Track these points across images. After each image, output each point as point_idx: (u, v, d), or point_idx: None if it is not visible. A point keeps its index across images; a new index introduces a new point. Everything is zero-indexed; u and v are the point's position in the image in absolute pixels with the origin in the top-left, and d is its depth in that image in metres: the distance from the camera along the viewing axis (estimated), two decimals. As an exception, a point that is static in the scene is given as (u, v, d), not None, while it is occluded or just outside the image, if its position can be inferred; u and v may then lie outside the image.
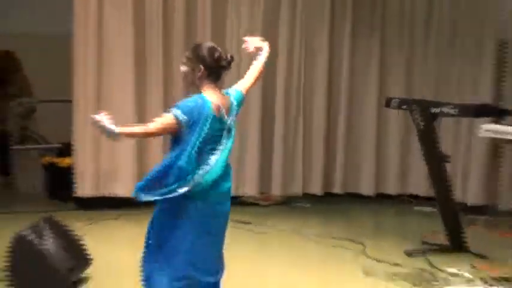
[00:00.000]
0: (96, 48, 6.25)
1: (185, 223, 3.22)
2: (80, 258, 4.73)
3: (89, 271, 4.68)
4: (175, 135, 3.29)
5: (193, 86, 3.38)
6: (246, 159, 6.89)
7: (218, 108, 3.19)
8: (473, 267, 5.27)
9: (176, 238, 3.23)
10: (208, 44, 3.40)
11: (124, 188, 6.28)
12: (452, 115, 5.62)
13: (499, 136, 5.51)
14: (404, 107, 5.77)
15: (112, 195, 6.48)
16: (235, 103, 3.38)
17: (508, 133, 5.25)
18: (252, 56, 3.71)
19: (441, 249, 5.70)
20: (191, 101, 3.23)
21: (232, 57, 3.35)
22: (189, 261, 3.26)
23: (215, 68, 3.28)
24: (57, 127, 7.21)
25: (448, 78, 7.26)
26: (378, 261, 5.31)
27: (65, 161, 6.81)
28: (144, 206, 4.58)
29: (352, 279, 5.02)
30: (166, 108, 4.02)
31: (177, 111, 3.17)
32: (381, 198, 7.50)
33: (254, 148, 6.89)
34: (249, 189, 6.91)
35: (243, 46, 3.63)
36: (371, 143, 7.33)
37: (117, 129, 3.14)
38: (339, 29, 7.12)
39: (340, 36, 7.08)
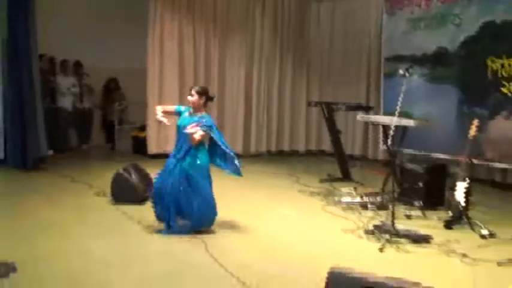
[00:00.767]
0: (158, 76, 10.25)
1: None
2: (149, 184, 6.91)
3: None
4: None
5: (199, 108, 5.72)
6: (237, 131, 10.83)
7: None
8: (355, 188, 7.84)
9: None
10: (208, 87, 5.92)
11: (171, 148, 9.54)
12: (342, 110, 8.99)
13: (366, 120, 8.43)
14: (318, 105, 9.19)
15: (165, 152, 9.64)
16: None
17: (371, 119, 8.16)
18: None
19: (338, 179, 8.56)
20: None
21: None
22: None
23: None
24: (139, 116, 11.05)
25: (340, 89, 11.03)
26: (306, 185, 8.16)
27: (142, 134, 10.58)
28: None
29: (291, 194, 7.71)
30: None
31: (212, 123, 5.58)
32: (308, 153, 11.41)
33: (241, 125, 10.83)
34: (238, 148, 10.76)
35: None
36: (303, 127, 11.40)
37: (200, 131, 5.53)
38: (285, 63, 11.21)
39: (285, 68, 11.19)
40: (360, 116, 8.29)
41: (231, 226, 6.23)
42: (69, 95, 11.02)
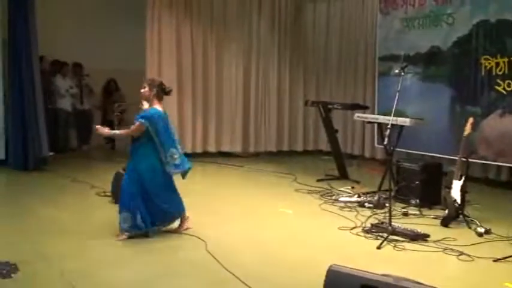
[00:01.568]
0: (157, 76, 10.13)
1: None
2: None
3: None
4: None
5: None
6: (236, 131, 10.93)
7: None
8: (352, 187, 8.02)
9: None
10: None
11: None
12: (339, 109, 9.05)
13: (363, 119, 8.45)
14: (315, 104, 9.22)
15: None
16: None
17: (368, 118, 8.20)
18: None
19: (335, 178, 8.61)
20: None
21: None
22: None
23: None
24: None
25: (338, 89, 11.13)
26: (303, 184, 8.21)
27: None
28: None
29: (288, 193, 7.79)
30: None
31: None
32: (306, 152, 11.45)
33: (240, 125, 10.95)
34: (237, 147, 10.99)
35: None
36: (301, 127, 11.48)
37: (112, 132, 5.80)
38: (282, 63, 11.30)
39: (282, 68, 11.29)
40: (357, 115, 8.35)
41: (230, 225, 6.32)
42: (68, 96, 11.12)
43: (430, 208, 6.96)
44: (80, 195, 7.53)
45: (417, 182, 7.10)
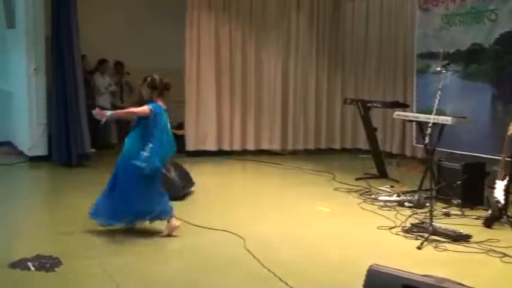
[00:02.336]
0: (196, 76, 10.40)
1: None
2: (188, 181, 7.44)
3: (193, 188, 7.54)
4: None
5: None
6: (275, 129, 10.96)
7: None
8: (392, 186, 7.92)
9: None
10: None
11: (209, 146, 10.49)
12: (378, 107, 9.00)
13: (403, 118, 8.20)
14: (353, 103, 9.12)
15: (203, 149, 10.46)
16: None
17: (408, 116, 8.00)
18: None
19: (374, 177, 8.49)
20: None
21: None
22: None
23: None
24: (176, 114, 10.74)
25: (377, 86, 10.98)
26: (342, 183, 8.16)
27: (180, 132, 10.46)
28: (218, 156, 8.08)
29: (327, 191, 7.78)
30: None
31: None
32: (344, 150, 11.41)
33: (278, 123, 10.98)
34: (276, 145, 11.01)
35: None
36: (339, 125, 11.43)
37: (109, 112, 5.67)
38: (321, 61, 11.25)
39: (320, 66, 11.25)
40: (396, 114, 8.23)
41: (268, 222, 6.33)
42: (107, 93, 11.28)
43: (472, 208, 6.83)
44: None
45: (459, 182, 6.98)
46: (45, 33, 9.49)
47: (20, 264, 4.75)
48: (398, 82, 10.63)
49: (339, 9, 11.55)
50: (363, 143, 10.79)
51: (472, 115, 8.02)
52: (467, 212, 6.74)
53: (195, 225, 6.08)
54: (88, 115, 9.44)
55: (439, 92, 5.93)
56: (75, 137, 9.05)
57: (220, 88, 10.61)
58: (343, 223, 6.40)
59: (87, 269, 4.77)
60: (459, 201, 6.93)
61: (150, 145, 5.45)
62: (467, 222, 6.30)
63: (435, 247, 5.41)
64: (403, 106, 8.93)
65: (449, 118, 7.01)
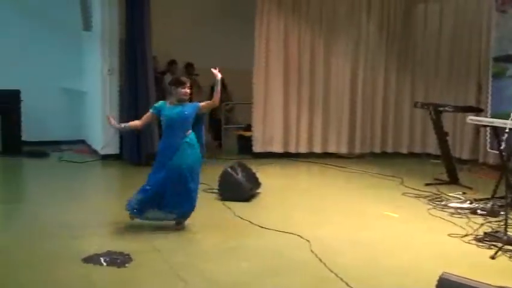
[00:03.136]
0: (264, 77, 10.46)
1: None
2: (254, 182, 7.51)
3: (259, 189, 7.59)
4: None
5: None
6: (342, 132, 10.88)
7: None
8: (464, 193, 7.72)
9: None
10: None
11: (276, 148, 10.55)
12: (450, 112, 8.77)
13: (477, 123, 7.95)
14: (424, 107, 8.93)
15: (270, 151, 10.53)
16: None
17: (482, 121, 7.72)
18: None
19: (445, 183, 8.30)
20: None
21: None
22: None
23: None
24: (245, 116, 11.36)
25: (449, 90, 10.61)
26: (410, 188, 8.02)
27: (247, 133, 10.87)
28: (286, 158, 8.07)
29: (394, 196, 7.69)
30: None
31: None
32: (412, 155, 11.15)
33: (346, 126, 10.87)
34: (343, 148, 10.92)
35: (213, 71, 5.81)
36: (407, 128, 11.22)
37: (118, 125, 6.13)
38: (390, 63, 11.06)
39: (390, 68, 11.05)
40: (470, 119, 7.99)
41: (334, 225, 6.28)
42: (176, 94, 11.48)
43: (550, 218, 6.51)
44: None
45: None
46: (119, 36, 9.77)
47: (92, 260, 4.90)
48: (471, 86, 10.30)
49: (410, 11, 11.31)
50: (432, 148, 10.52)
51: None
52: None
53: (261, 226, 6.11)
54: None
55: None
56: (145, 137, 9.25)
57: (288, 90, 10.60)
58: (412, 229, 6.28)
59: (155, 266, 4.87)
60: (535, 210, 6.60)
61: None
62: (545, 233, 6.01)
63: (510, 257, 5.21)
64: (477, 111, 8.70)
65: (528, 123, 6.70)
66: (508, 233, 5.55)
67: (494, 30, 9.36)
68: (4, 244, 5.30)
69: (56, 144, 10.85)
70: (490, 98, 9.43)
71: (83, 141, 11.22)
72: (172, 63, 11.47)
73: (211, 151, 9.78)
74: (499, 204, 6.65)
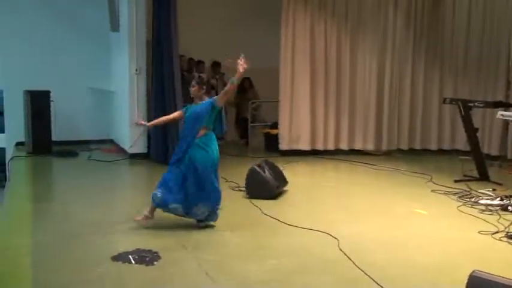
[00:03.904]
0: (290, 75, 10.49)
1: None
2: (281, 180, 7.57)
3: (286, 187, 7.65)
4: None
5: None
6: (369, 129, 10.80)
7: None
8: (494, 189, 7.66)
9: None
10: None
11: (303, 146, 10.51)
12: (480, 107, 8.78)
13: (507, 118, 8.07)
14: (453, 102, 8.85)
15: (296, 149, 10.52)
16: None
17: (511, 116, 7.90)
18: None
19: (474, 179, 8.27)
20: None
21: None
22: None
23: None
24: (271, 114, 11.38)
25: (478, 86, 10.52)
26: (439, 185, 8.00)
27: (274, 131, 10.89)
28: (313, 155, 8.04)
29: (424, 193, 7.66)
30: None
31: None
32: (441, 151, 11.07)
33: (373, 123, 10.82)
34: (370, 145, 10.87)
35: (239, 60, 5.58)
36: (436, 124, 11.10)
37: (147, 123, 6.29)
38: (418, 58, 10.97)
39: (417, 63, 10.95)
40: (500, 114, 7.92)
41: (363, 223, 6.24)
42: (204, 93, 11.53)
43: None
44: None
45: None
46: (147, 36, 9.86)
47: (121, 258, 4.95)
48: (500, 81, 10.14)
49: (438, 5, 11.16)
50: (462, 144, 10.32)
51: None
52: None
53: (289, 224, 6.10)
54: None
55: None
56: (172, 136, 9.31)
57: (315, 87, 10.57)
58: (441, 226, 6.21)
59: (184, 264, 4.90)
60: None
61: None
62: None
63: (542, 255, 5.11)
64: (507, 106, 8.54)
65: (558, 119, 6.60)
66: (541, 230, 5.44)
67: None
68: (35, 243, 5.37)
69: (85, 143, 11.04)
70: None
71: (111, 141, 11.36)
72: (198, 63, 11.54)
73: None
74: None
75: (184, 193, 5.77)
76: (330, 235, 5.66)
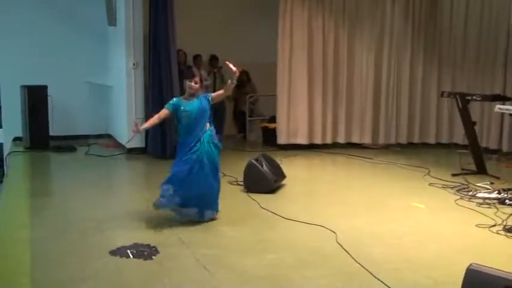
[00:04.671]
0: (288, 69, 10.46)
1: None
2: (279, 174, 7.56)
3: (284, 181, 7.64)
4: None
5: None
6: (366, 123, 10.79)
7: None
8: (491, 183, 7.66)
9: None
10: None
11: (300, 140, 10.50)
12: (478, 100, 8.69)
13: (506, 111, 8.12)
14: (451, 96, 8.82)
15: (294, 143, 10.50)
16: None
17: (509, 110, 7.88)
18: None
19: (472, 173, 8.23)
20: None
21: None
22: None
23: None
24: (268, 108, 11.40)
25: (476, 79, 10.49)
26: (437, 178, 7.99)
27: (272, 125, 10.89)
28: (310, 149, 8.06)
29: (421, 187, 7.66)
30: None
31: None
32: (439, 145, 11.05)
33: (370, 116, 10.80)
34: (367, 139, 10.85)
35: (230, 65, 5.69)
36: (434, 118, 11.09)
37: (142, 129, 5.92)
38: (416, 52, 10.94)
39: (415, 57, 10.94)
40: (498, 107, 7.92)
41: (360, 217, 6.25)
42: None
43: None
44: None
45: None
46: (144, 30, 9.83)
47: (119, 252, 4.96)
48: (498, 74, 10.11)
49: (436, -1, 11.16)
50: (459, 138, 10.32)
51: None
52: None
53: (286, 218, 6.10)
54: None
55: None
56: (170, 130, 9.30)
57: (312, 81, 10.56)
58: (439, 220, 6.21)
59: (182, 259, 4.90)
60: None
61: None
62: None
63: (539, 248, 5.12)
64: (505, 99, 8.54)
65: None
66: (538, 223, 5.44)
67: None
68: (33, 238, 5.37)
69: (82, 138, 11.04)
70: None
71: (109, 135, 11.35)
72: (196, 56, 11.51)
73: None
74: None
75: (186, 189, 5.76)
76: (328, 229, 5.67)
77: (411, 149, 10.78)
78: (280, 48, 10.41)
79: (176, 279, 4.47)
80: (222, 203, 6.23)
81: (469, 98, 8.46)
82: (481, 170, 8.38)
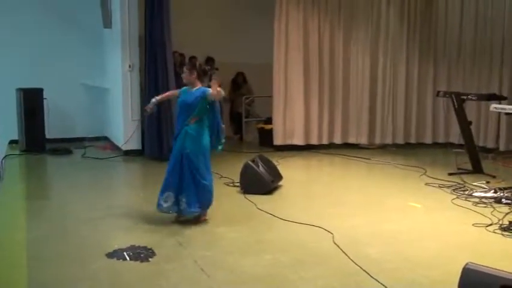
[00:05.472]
0: (284, 70, 10.46)
1: None
2: (276, 175, 7.56)
3: (280, 182, 7.62)
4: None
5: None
6: (362, 123, 10.80)
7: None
8: (488, 182, 7.69)
9: None
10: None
11: (297, 140, 10.50)
12: (473, 100, 8.69)
13: (501, 111, 8.08)
14: (447, 95, 8.84)
15: (291, 144, 10.52)
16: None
17: (505, 109, 7.87)
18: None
19: (468, 172, 8.28)
20: None
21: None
22: None
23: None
24: (265, 109, 11.36)
25: (471, 79, 10.52)
26: (433, 178, 8.00)
27: (268, 126, 10.86)
28: (307, 150, 8.08)
29: (418, 186, 7.67)
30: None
31: None
32: (435, 145, 11.06)
33: (366, 117, 10.81)
34: (363, 139, 10.87)
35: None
36: (430, 118, 11.12)
37: (154, 99, 6.02)
38: (411, 52, 10.97)
39: (411, 57, 10.95)
40: (494, 107, 7.93)
41: (357, 217, 6.26)
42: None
43: None
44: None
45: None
46: (139, 32, 9.83)
47: (116, 254, 4.95)
48: (494, 74, 10.16)
49: (431, -2, 11.18)
50: (455, 137, 10.38)
51: None
52: None
53: (283, 219, 6.10)
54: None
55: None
56: (166, 132, 9.30)
57: (308, 82, 10.57)
58: (436, 219, 6.22)
59: (178, 260, 4.89)
60: (562, 198, 6.52)
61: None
62: None
63: (536, 246, 5.13)
64: (501, 98, 8.57)
65: (551, 111, 6.62)
66: (534, 221, 5.46)
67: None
68: (29, 240, 5.36)
69: (79, 141, 11.01)
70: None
71: (105, 138, 11.32)
72: (191, 58, 11.47)
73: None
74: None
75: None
76: (325, 229, 5.67)
77: (407, 149, 10.80)
78: (276, 50, 10.42)
79: (173, 281, 4.47)
80: (219, 204, 6.22)
81: (465, 97, 8.47)
82: (477, 169, 8.40)
